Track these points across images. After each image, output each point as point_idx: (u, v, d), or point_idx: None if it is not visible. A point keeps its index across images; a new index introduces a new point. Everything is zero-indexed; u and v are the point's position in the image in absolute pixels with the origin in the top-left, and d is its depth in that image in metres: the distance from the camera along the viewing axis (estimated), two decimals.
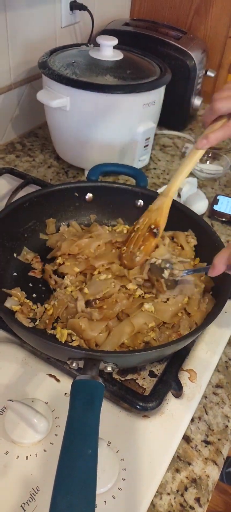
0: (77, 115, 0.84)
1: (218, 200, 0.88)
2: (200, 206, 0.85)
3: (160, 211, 0.66)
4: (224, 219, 0.86)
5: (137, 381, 0.56)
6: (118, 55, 0.90)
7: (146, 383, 0.55)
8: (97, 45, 0.91)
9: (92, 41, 1.06)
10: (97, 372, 0.44)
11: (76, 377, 0.43)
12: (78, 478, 0.34)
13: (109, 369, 0.47)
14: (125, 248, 0.66)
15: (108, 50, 0.89)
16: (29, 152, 1.02)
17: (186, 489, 0.47)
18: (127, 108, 0.84)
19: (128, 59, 0.92)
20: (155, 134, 0.95)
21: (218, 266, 0.52)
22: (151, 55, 0.97)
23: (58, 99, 0.82)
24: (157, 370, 0.57)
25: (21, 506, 0.42)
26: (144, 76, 0.87)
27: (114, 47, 0.90)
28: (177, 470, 0.49)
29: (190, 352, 0.59)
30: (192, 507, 0.46)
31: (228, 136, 0.62)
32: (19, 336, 0.55)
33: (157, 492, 0.46)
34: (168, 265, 0.62)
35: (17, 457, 0.46)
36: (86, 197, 0.74)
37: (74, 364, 0.47)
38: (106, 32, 1.12)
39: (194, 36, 1.14)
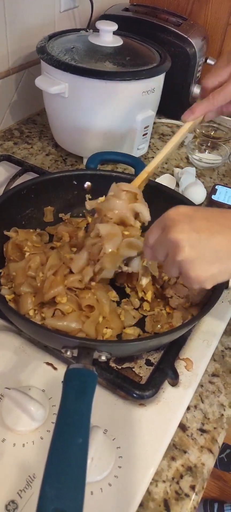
0: (76, 102, 0.83)
1: (217, 190, 0.88)
2: (198, 196, 0.85)
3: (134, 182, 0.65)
4: None
5: (133, 369, 0.56)
6: (118, 41, 0.89)
7: (143, 371, 0.56)
8: (96, 30, 0.90)
9: (91, 26, 1.04)
10: (91, 361, 0.45)
11: (69, 366, 0.43)
12: (68, 467, 0.34)
13: (103, 358, 0.47)
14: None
15: (107, 36, 0.88)
16: (27, 139, 1.01)
17: (181, 476, 0.48)
18: (126, 95, 0.83)
19: (127, 45, 0.91)
20: (154, 123, 0.94)
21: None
22: (150, 41, 0.96)
23: (56, 86, 0.81)
24: (154, 358, 0.57)
25: (17, 493, 0.43)
26: (143, 63, 0.86)
27: (114, 32, 0.89)
28: (173, 458, 0.49)
29: (187, 341, 0.59)
30: (187, 495, 0.46)
31: (211, 108, 0.64)
32: (15, 324, 0.55)
33: (152, 479, 0.47)
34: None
35: (14, 444, 0.46)
36: (85, 185, 0.74)
37: (68, 353, 0.47)
38: (105, 17, 1.10)
39: (195, 22, 1.13)
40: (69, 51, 0.85)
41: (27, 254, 0.60)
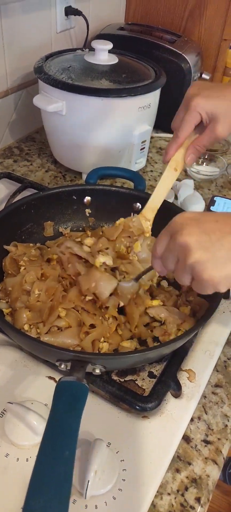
0: (74, 119, 0.85)
1: (215, 201, 0.89)
2: (196, 208, 0.86)
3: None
4: None
5: (136, 382, 0.56)
6: (113, 59, 0.91)
7: (145, 383, 0.55)
8: (92, 49, 0.92)
9: (87, 45, 1.06)
10: (83, 374, 0.44)
11: (60, 379, 0.43)
12: (53, 480, 0.34)
13: (97, 371, 0.47)
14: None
15: (103, 54, 0.89)
16: (26, 157, 1.03)
17: (186, 489, 0.47)
18: (123, 111, 0.85)
19: (123, 63, 0.93)
20: (151, 137, 0.96)
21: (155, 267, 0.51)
22: (145, 58, 0.98)
23: (54, 104, 0.83)
24: (156, 370, 0.57)
25: (21, 508, 0.42)
26: (139, 79, 0.88)
27: (109, 51, 0.91)
28: (177, 470, 0.49)
29: (189, 352, 0.59)
30: (192, 507, 0.46)
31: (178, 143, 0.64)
32: (10, 337, 0.55)
33: (157, 492, 0.46)
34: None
35: (17, 459, 0.46)
36: (85, 200, 0.74)
37: (62, 366, 0.47)
38: (101, 36, 1.13)
39: (189, 39, 1.15)
40: (66, 70, 0.87)
41: (22, 268, 0.61)
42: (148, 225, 0.68)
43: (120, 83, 0.85)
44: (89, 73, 0.86)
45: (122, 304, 0.59)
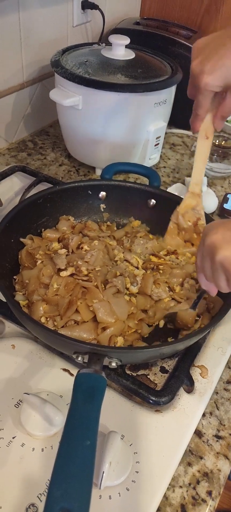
0: (90, 114, 0.85)
1: (228, 198, 0.89)
2: (210, 205, 0.86)
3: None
4: None
5: (148, 376, 0.56)
6: (130, 54, 0.91)
7: (157, 378, 0.56)
8: (109, 44, 0.92)
9: (103, 40, 1.07)
10: (101, 366, 0.45)
11: (79, 370, 0.44)
12: (75, 468, 0.35)
13: (113, 364, 0.48)
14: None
15: (120, 49, 0.90)
16: (40, 151, 1.03)
17: (198, 482, 0.48)
18: (139, 107, 0.85)
19: (139, 58, 0.93)
20: (165, 133, 0.96)
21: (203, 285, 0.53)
22: (162, 54, 0.98)
23: (70, 98, 0.83)
24: (168, 366, 0.58)
25: (37, 496, 0.43)
26: (155, 75, 0.88)
27: (126, 46, 0.91)
28: (189, 464, 0.50)
29: (202, 349, 0.59)
30: (204, 500, 0.47)
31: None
32: (28, 329, 0.56)
33: (169, 485, 0.47)
34: None
35: (33, 449, 0.47)
36: (100, 195, 0.75)
37: (79, 358, 0.48)
38: (117, 31, 1.13)
39: (204, 35, 1.14)
40: (83, 64, 0.87)
41: (38, 262, 0.62)
42: (199, 205, 0.68)
43: (136, 78, 0.85)
44: (106, 68, 0.86)
45: None
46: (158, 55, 0.97)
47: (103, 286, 0.59)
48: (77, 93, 0.83)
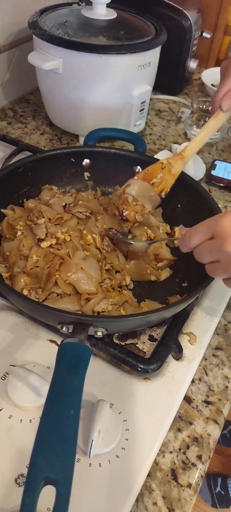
0: (71, 78, 0.82)
1: (216, 165, 0.87)
2: (197, 171, 0.84)
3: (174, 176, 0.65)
4: (221, 184, 0.85)
5: (137, 345, 0.56)
6: (111, 14, 0.87)
7: (146, 347, 0.56)
8: (89, 3, 0.87)
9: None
10: (86, 336, 0.44)
11: (63, 340, 0.42)
12: (59, 438, 0.34)
13: (99, 333, 0.47)
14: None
15: (101, 9, 0.85)
16: (21, 119, 0.99)
17: (188, 447, 0.48)
18: (122, 69, 0.82)
19: (121, 18, 0.88)
20: (150, 99, 0.93)
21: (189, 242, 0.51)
22: (145, 14, 0.93)
23: (50, 61, 0.79)
24: (157, 334, 0.57)
25: (26, 467, 0.43)
26: (138, 36, 0.84)
27: (107, 5, 0.86)
28: (179, 430, 0.49)
29: (190, 316, 0.59)
30: (194, 464, 0.47)
31: None
32: (11, 301, 0.54)
33: (159, 451, 0.47)
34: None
35: (21, 420, 0.46)
36: (83, 163, 0.72)
37: (64, 329, 0.47)
38: None
39: None
40: (62, 25, 0.83)
41: (19, 233, 0.60)
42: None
43: (119, 39, 0.82)
44: (86, 29, 0.82)
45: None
46: (141, 15, 0.93)
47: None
48: (57, 56, 0.79)
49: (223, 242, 0.46)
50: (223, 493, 1.34)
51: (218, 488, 1.34)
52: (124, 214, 0.62)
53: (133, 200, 0.62)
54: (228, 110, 0.66)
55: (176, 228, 0.68)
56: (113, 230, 0.62)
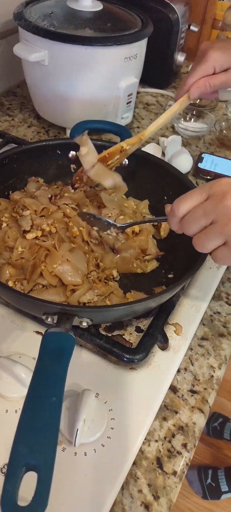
0: (56, 70, 0.81)
1: (203, 158, 0.88)
2: (184, 164, 0.84)
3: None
4: (208, 177, 0.85)
5: (123, 336, 0.56)
6: (97, 6, 0.86)
7: (133, 338, 0.56)
8: None
9: None
10: (70, 326, 0.44)
11: (47, 330, 0.42)
12: (41, 424, 0.34)
13: (84, 324, 0.47)
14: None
15: (87, 0, 0.85)
16: (7, 112, 0.98)
17: (173, 436, 0.48)
18: (108, 61, 0.81)
19: (107, 10, 0.88)
20: (138, 92, 0.93)
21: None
22: (131, 6, 0.93)
23: (36, 53, 0.79)
24: (144, 325, 0.57)
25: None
26: (124, 28, 0.84)
27: None
28: (164, 419, 0.50)
29: (176, 307, 0.59)
30: (179, 452, 0.47)
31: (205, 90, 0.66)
32: None
33: (145, 439, 0.47)
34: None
35: (6, 411, 0.46)
36: (70, 155, 0.72)
37: (49, 319, 0.47)
38: None
39: None
40: (48, 16, 0.82)
41: (4, 225, 0.59)
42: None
43: (105, 31, 0.81)
44: (72, 20, 0.82)
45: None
46: (127, 7, 0.93)
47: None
48: (43, 47, 0.79)
49: (222, 198, 0.43)
50: (214, 484, 1.35)
51: (209, 480, 1.35)
52: (75, 186, 0.66)
53: (87, 180, 0.65)
54: (194, 99, 0.67)
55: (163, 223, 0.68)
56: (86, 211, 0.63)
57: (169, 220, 0.49)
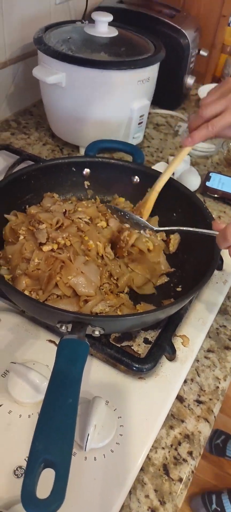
0: (73, 92, 0.85)
1: (210, 177, 0.90)
2: (193, 183, 0.87)
3: (144, 203, 0.71)
4: (216, 195, 0.88)
5: (132, 347, 0.58)
6: (113, 32, 0.91)
7: (141, 349, 0.58)
8: (92, 21, 0.92)
9: (86, 18, 1.06)
10: (84, 334, 0.47)
11: (63, 336, 0.45)
12: (57, 424, 0.36)
13: (97, 333, 0.49)
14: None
15: (103, 26, 0.89)
16: (24, 130, 1.03)
17: (179, 443, 0.50)
18: (122, 84, 0.85)
19: (122, 36, 0.92)
20: (149, 113, 0.96)
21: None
22: (145, 32, 0.98)
23: (54, 75, 0.83)
24: (152, 337, 0.59)
25: (25, 459, 0.45)
26: (138, 53, 0.88)
27: (109, 23, 0.90)
28: (171, 427, 0.52)
29: (183, 319, 0.61)
30: (185, 460, 0.49)
31: (211, 135, 0.67)
32: (12, 300, 0.57)
33: (152, 446, 0.49)
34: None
35: (20, 415, 0.48)
36: (84, 172, 0.75)
37: (63, 328, 0.49)
38: (100, 9, 1.12)
39: (188, 14, 1.15)
40: (66, 41, 0.87)
41: (21, 237, 0.62)
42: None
43: (119, 56, 0.86)
44: (89, 45, 0.86)
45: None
46: (141, 33, 0.97)
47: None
48: (61, 70, 0.83)
49: None
50: (219, 509, 1.34)
51: (214, 505, 1.34)
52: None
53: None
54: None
55: (171, 236, 0.71)
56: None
57: (220, 243, 0.54)
